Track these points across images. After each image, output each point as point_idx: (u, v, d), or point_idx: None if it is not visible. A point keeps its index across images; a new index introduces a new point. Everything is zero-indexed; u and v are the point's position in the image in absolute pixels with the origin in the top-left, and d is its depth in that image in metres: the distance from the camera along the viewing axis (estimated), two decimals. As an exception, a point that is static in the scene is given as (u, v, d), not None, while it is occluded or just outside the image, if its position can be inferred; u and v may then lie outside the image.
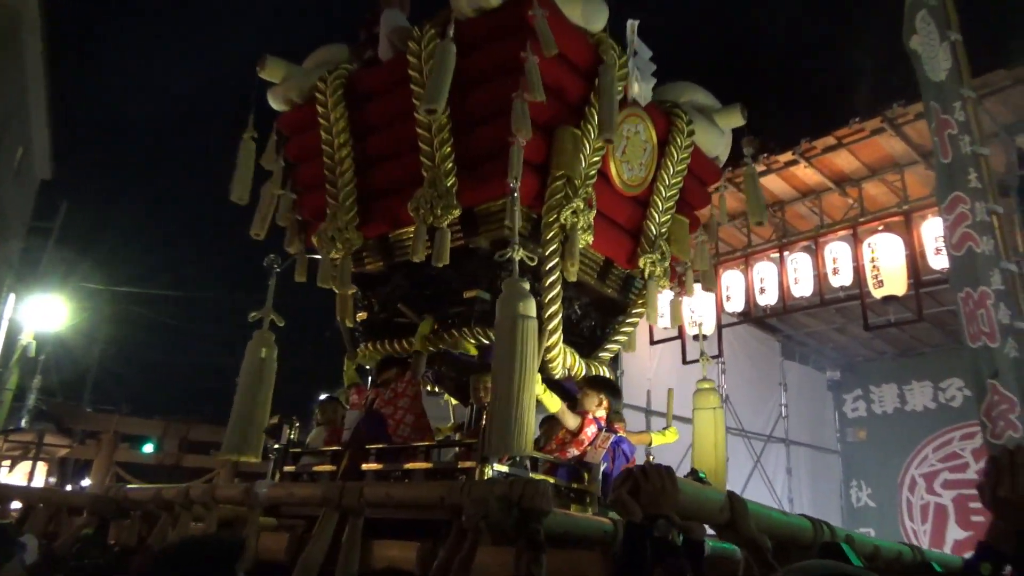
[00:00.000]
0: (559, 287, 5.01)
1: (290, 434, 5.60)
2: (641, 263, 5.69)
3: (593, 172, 5.26)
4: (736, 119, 6.30)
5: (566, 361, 5.15)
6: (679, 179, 5.93)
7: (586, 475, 4.84)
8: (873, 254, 11.25)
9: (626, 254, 5.77)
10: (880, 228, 11.35)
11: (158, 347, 29.54)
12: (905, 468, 14.97)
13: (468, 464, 4.35)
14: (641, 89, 5.51)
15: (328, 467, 5.26)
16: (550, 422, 5.51)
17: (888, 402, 15.79)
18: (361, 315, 5.99)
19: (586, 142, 5.15)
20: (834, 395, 16.87)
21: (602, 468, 4.82)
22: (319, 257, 5.92)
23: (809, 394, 16.28)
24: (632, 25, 5.43)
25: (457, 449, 5.05)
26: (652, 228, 5.78)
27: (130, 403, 20.58)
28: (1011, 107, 10.85)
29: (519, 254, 4.40)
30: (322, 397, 6.60)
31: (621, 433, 5.19)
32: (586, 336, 5.78)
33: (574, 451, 5.01)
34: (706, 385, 6.31)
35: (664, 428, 6.27)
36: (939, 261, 10.56)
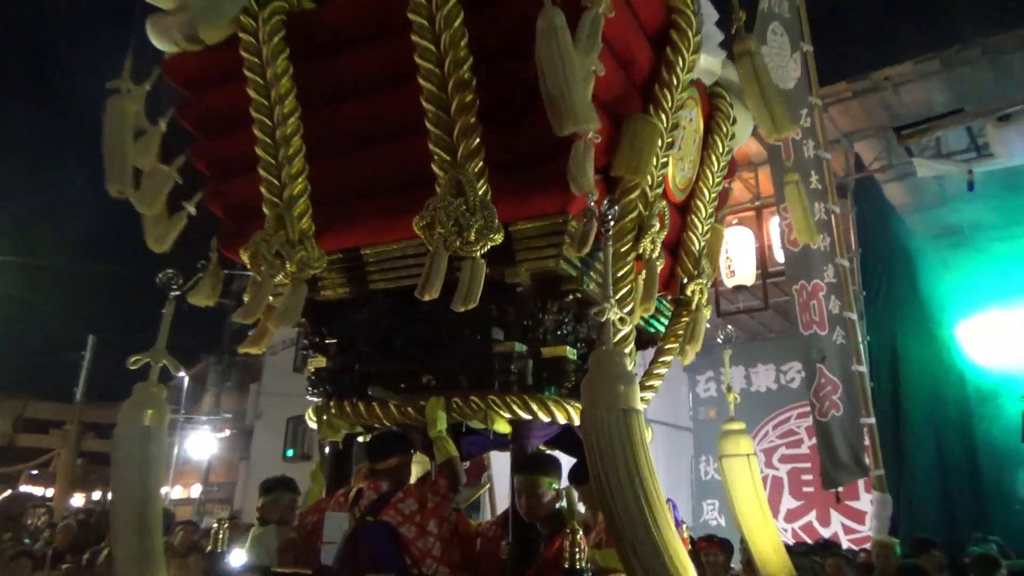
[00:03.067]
0: (632, 342, 3.29)
1: (220, 540, 3.48)
2: (690, 290, 4.02)
3: (661, 178, 3.51)
4: None
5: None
6: (721, 177, 4.30)
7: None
8: (727, 246, 11.28)
9: (663, 276, 4.08)
10: (735, 221, 11.71)
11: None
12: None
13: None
14: (706, 63, 3.79)
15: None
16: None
17: (736, 383, 15.65)
18: (316, 361, 3.89)
19: (659, 136, 3.37)
20: (689, 376, 16.52)
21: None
22: (247, 274, 3.75)
23: (667, 375, 15.83)
24: None
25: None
26: (695, 241, 4.13)
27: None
28: (852, 116, 11.42)
29: (614, 314, 2.66)
30: (267, 481, 4.40)
31: None
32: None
33: None
34: (736, 427, 4.76)
35: None
36: (783, 254, 10.59)
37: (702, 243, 4.17)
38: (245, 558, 3.75)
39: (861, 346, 11.04)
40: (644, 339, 4.27)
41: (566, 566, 2.83)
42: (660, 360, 4.17)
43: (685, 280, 4.06)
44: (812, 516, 14.17)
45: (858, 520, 13.63)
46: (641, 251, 3.33)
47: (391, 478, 3.56)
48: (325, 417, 3.71)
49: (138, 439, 3.07)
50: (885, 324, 12.04)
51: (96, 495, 23.08)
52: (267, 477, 4.45)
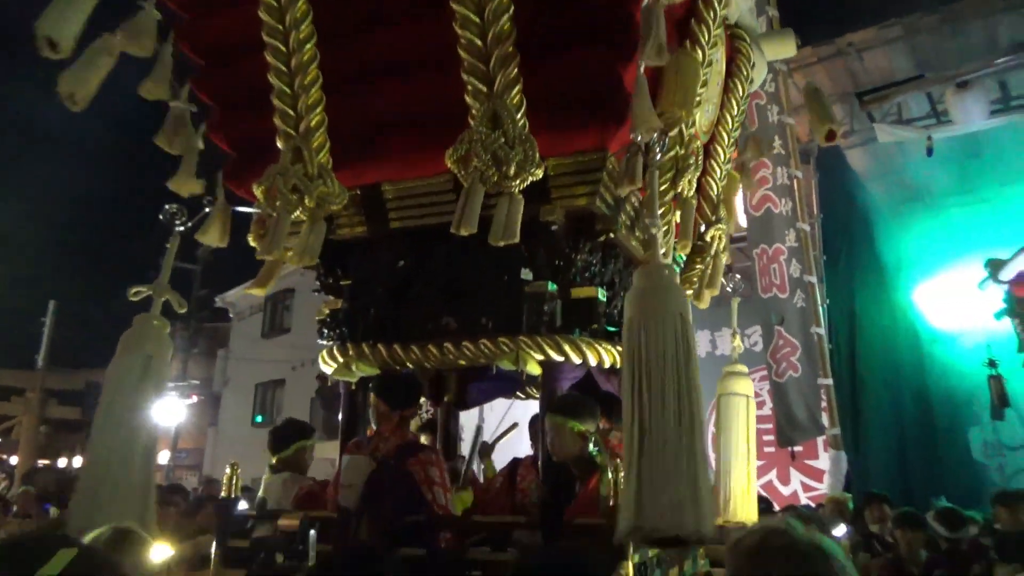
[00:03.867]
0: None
1: (233, 485, 3.25)
2: (709, 236, 3.86)
3: (695, 117, 3.33)
4: (788, 48, 4.51)
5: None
6: (740, 122, 4.14)
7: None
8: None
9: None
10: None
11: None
12: (712, 407, 14.95)
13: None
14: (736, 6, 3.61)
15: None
16: None
17: (701, 347, 15.57)
18: (331, 303, 3.63)
19: (696, 73, 3.17)
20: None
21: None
22: (254, 211, 3.48)
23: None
24: None
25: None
26: (713, 186, 3.96)
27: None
28: (816, 81, 10.78)
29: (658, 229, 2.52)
30: (282, 428, 4.17)
31: None
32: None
33: None
34: (738, 369, 4.62)
35: None
36: (746, 219, 10.52)
37: (720, 188, 4.01)
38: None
39: (820, 309, 11.14)
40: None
41: (611, 503, 2.72)
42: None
43: (704, 226, 3.90)
44: (773, 475, 14.31)
45: (816, 478, 13.79)
46: (679, 190, 3.15)
47: (410, 425, 3.38)
48: (342, 360, 3.48)
49: (137, 367, 2.77)
50: (844, 287, 12.15)
51: (62, 462, 22.47)
52: (279, 424, 4.28)
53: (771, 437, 14.62)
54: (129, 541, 2.21)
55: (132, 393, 2.73)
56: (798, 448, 11.61)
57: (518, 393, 4.53)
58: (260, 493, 3.69)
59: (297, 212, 3.17)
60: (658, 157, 2.59)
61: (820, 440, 10.96)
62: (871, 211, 12.78)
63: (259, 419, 17.46)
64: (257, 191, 3.27)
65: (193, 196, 3.51)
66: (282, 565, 2.95)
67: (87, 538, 2.11)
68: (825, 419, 10.74)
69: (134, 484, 2.62)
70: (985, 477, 12.15)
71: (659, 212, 3.02)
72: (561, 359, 3.15)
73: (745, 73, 4.00)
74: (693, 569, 3.43)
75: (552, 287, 3.19)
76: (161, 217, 3.30)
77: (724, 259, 4.02)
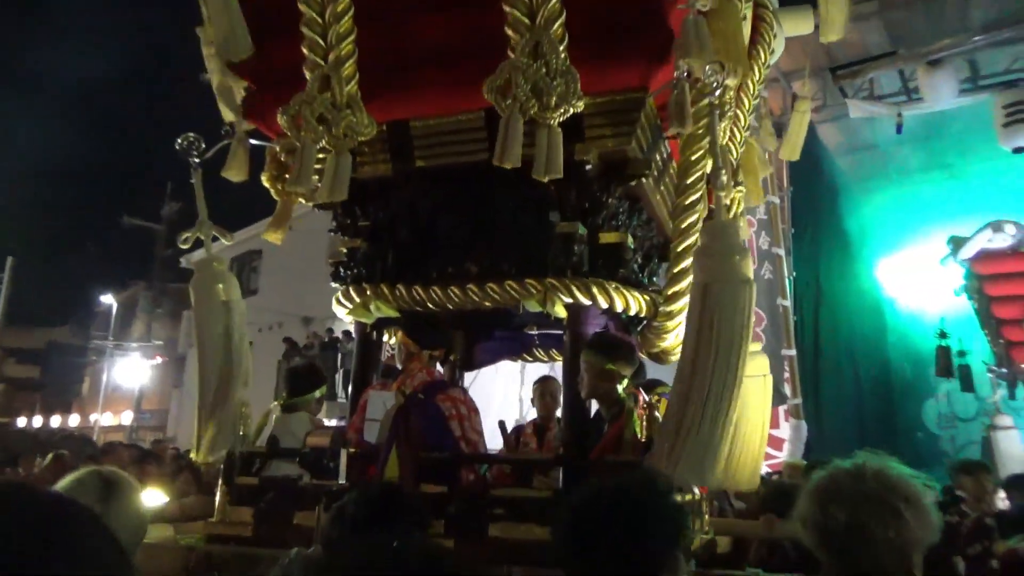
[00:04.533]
0: (699, 224, 3.08)
1: (245, 422, 3.18)
2: (728, 199, 3.82)
3: (732, 66, 3.25)
4: (806, 25, 4.48)
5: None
6: (760, 89, 4.09)
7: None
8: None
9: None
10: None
11: None
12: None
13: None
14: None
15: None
16: None
17: None
18: (351, 242, 3.52)
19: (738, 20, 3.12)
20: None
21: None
22: (276, 145, 3.35)
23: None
24: None
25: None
26: (734, 150, 3.88)
27: None
28: (791, 55, 10.42)
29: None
30: (297, 369, 4.06)
31: None
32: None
33: None
34: (753, 348, 4.59)
35: None
36: None
37: (739, 153, 3.96)
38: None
39: (787, 281, 11.29)
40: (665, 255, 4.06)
41: (642, 439, 2.83)
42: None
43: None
44: (736, 443, 14.52)
45: (776, 447, 14.04)
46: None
47: (435, 364, 3.32)
48: (359, 300, 3.38)
49: (217, 317, 3.11)
50: (810, 260, 12.31)
51: (21, 422, 21.85)
52: (301, 367, 4.21)
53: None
54: (114, 488, 2.04)
55: (223, 340, 3.09)
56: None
57: (524, 355, 4.49)
58: (270, 432, 3.60)
59: (323, 142, 3.06)
60: (715, 93, 2.55)
61: (781, 410, 11.14)
62: (840, 185, 12.95)
63: (225, 381, 17.12)
64: (281, 120, 3.13)
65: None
66: (308, 484, 2.91)
67: (65, 484, 2.02)
68: (787, 389, 10.94)
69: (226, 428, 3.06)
70: (937, 447, 12.51)
71: (694, 158, 3.00)
72: (588, 303, 3.09)
73: (767, 40, 3.93)
74: (701, 530, 3.45)
75: (582, 229, 3.13)
76: (178, 147, 3.21)
77: (742, 223, 3.98)
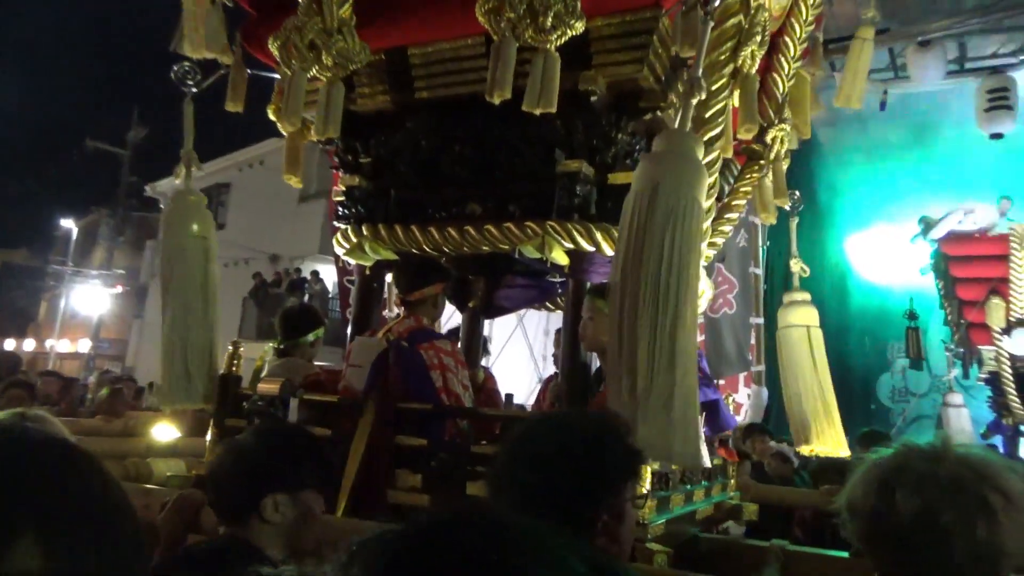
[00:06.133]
0: (719, 163, 2.86)
1: (236, 362, 3.03)
2: (769, 137, 3.60)
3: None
4: None
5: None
6: (815, 15, 3.64)
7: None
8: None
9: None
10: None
11: None
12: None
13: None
14: None
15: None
16: None
17: None
18: (349, 179, 3.29)
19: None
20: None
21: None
22: (275, 76, 3.13)
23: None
24: None
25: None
26: (779, 83, 3.60)
27: None
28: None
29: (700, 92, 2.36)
30: (293, 311, 3.84)
31: None
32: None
33: None
34: (799, 297, 4.44)
35: None
36: None
37: (786, 87, 3.64)
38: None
39: (761, 250, 11.28)
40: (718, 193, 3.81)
41: None
42: (725, 217, 3.68)
43: (764, 125, 3.49)
44: (696, 407, 14.65)
45: (736, 412, 14.25)
46: (740, 63, 2.82)
47: (426, 312, 3.12)
48: (355, 240, 3.18)
49: (189, 251, 3.01)
50: (784, 230, 12.29)
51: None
52: (296, 308, 4.04)
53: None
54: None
55: (195, 275, 3.00)
56: (720, 382, 11.89)
57: (548, 304, 4.30)
58: (263, 375, 3.40)
59: (314, 70, 2.83)
60: (716, 3, 2.33)
61: (741, 376, 11.23)
62: (820, 159, 12.90)
63: (188, 314, 16.79)
64: (273, 47, 2.90)
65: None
66: None
67: None
68: (751, 356, 11.01)
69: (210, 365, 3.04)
70: (888, 420, 12.74)
71: (716, 87, 2.77)
72: (592, 249, 2.88)
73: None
74: (723, 496, 3.33)
75: (588, 168, 2.92)
76: (173, 76, 3.06)
77: (785, 166, 3.77)
